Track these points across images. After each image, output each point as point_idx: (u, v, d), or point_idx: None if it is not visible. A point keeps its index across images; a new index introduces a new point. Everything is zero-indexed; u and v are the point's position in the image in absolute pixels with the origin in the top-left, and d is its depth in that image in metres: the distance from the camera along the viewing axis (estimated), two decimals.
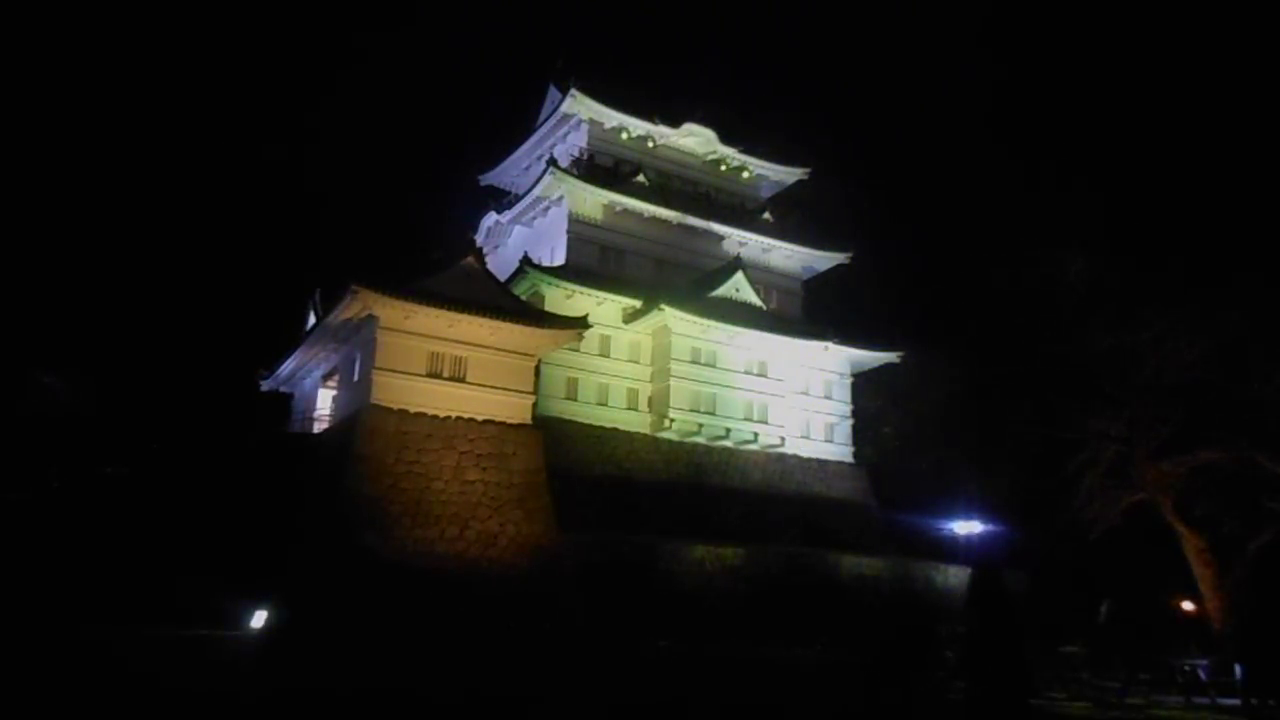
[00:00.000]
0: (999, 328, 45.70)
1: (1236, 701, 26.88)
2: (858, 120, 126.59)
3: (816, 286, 70.46)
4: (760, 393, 59.84)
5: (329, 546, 38.02)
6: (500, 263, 59.81)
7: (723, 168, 69.01)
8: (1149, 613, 45.01)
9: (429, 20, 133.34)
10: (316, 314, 50.16)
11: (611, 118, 64.67)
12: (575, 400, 55.77)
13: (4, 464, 42.07)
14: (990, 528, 57.17)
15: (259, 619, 34.88)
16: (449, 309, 44.01)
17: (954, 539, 58.70)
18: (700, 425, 57.47)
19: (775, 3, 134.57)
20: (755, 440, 59.18)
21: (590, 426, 55.35)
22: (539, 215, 63.73)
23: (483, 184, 73.61)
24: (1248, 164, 74.12)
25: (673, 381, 56.95)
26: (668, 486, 55.62)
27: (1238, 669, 28.36)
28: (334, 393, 51.59)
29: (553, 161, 60.29)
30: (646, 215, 62.38)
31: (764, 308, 61.21)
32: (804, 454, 62.16)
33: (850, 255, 68.77)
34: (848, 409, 65.60)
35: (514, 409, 46.00)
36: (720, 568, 47.98)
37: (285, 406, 58.55)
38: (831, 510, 60.43)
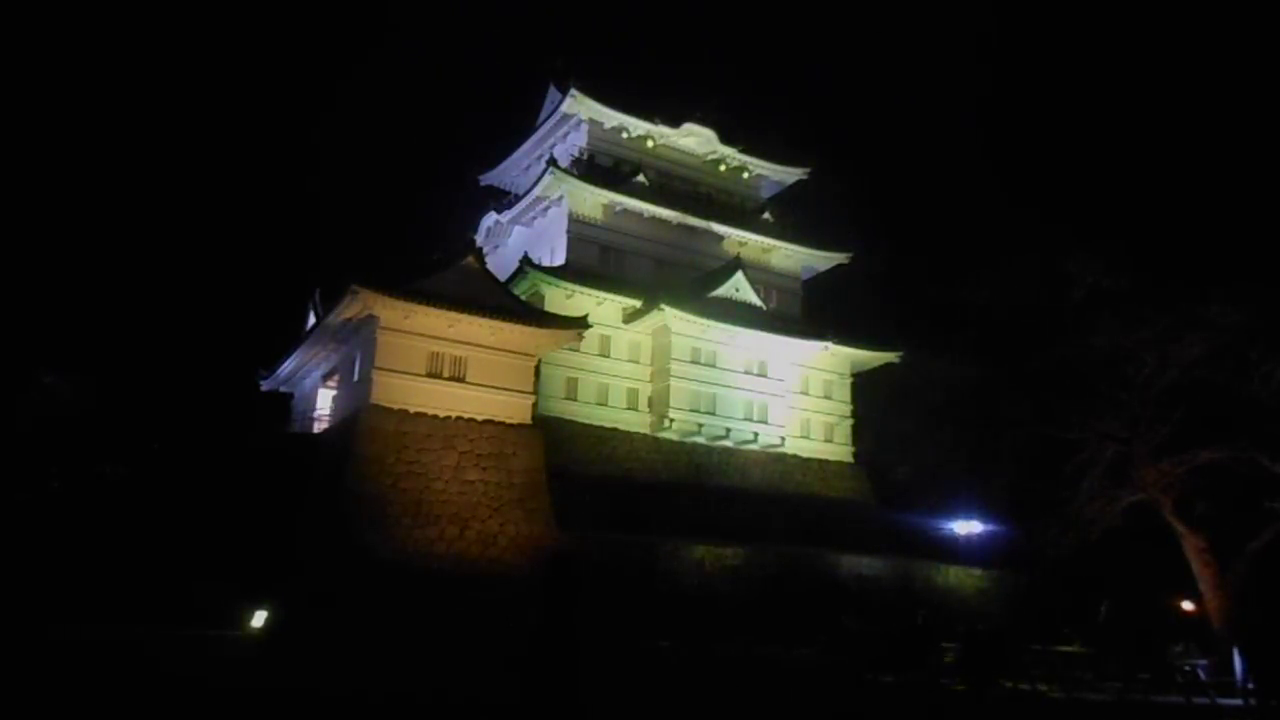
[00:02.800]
0: (999, 328, 45.59)
1: (1237, 702, 26.87)
2: (857, 121, 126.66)
3: (816, 286, 70.43)
4: (760, 393, 59.81)
5: (329, 546, 38.03)
6: (500, 263, 59.80)
7: (722, 168, 68.95)
8: (1149, 613, 44.97)
9: (429, 20, 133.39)
10: (316, 314, 50.18)
11: (611, 118, 64.64)
12: (575, 400, 55.76)
13: (5, 464, 42.05)
14: (990, 527, 57.14)
15: (259, 619, 34.86)
16: (449, 309, 44.04)
17: (954, 539, 58.66)
18: (700, 425, 57.45)
19: (775, 3, 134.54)
20: (755, 440, 59.15)
21: (590, 426, 55.33)
22: (539, 215, 63.72)
23: (483, 184, 73.56)
24: (1248, 163, 74.18)
25: (673, 381, 56.92)
26: (668, 486, 55.57)
27: (1238, 668, 28.38)
28: (334, 393, 51.62)
29: (553, 161, 60.28)
30: (646, 215, 62.35)
31: (764, 308, 61.17)
32: (804, 454, 62.13)
33: (850, 255, 68.75)
34: (847, 409, 65.56)
35: (514, 409, 46.04)
36: (720, 568, 47.95)
37: (285, 406, 58.57)
38: (831, 510, 60.34)
